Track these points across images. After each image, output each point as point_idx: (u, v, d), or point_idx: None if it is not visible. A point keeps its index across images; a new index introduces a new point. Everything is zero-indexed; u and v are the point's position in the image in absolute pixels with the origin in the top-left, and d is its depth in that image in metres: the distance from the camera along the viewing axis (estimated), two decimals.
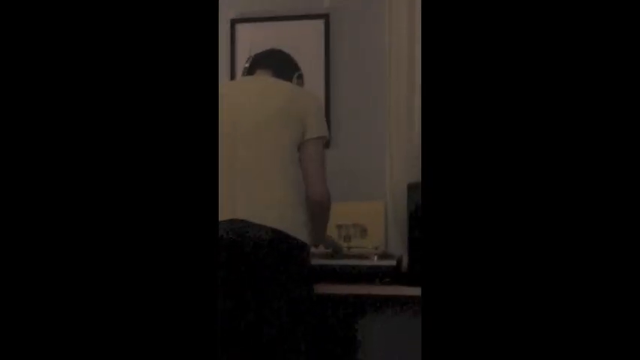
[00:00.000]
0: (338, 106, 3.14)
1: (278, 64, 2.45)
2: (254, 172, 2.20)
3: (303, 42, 3.15)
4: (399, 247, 2.85)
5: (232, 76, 3.18)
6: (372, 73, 3.09)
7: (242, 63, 3.15)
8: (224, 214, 2.14)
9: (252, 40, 3.17)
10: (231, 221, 2.16)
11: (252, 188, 2.19)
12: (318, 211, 2.31)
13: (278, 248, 2.16)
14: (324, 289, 2.45)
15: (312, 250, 2.49)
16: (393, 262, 2.53)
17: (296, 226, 2.21)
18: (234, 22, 3.23)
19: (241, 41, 3.23)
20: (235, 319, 2.18)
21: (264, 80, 2.39)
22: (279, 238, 2.16)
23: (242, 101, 2.28)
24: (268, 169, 2.21)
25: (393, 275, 2.48)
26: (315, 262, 2.44)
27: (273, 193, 2.20)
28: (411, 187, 2.53)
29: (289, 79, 2.43)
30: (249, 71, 2.46)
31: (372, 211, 2.92)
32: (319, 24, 3.15)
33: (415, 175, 2.68)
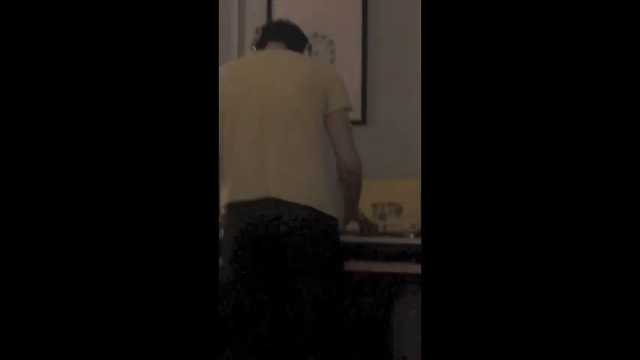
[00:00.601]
0: (373, 83, 3.13)
1: (289, 35, 2.41)
2: (284, 150, 2.19)
3: (339, 19, 3.13)
4: None
5: None
6: (408, 50, 3.07)
7: None
8: (256, 193, 2.15)
9: (289, 16, 3.16)
10: (265, 200, 2.16)
11: (283, 166, 2.18)
12: (350, 179, 2.30)
13: (311, 227, 2.15)
14: (359, 266, 2.45)
15: (347, 227, 2.49)
16: None
17: (328, 203, 2.20)
18: (270, 0, 3.23)
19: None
20: (267, 300, 2.19)
21: (282, 54, 2.34)
22: (311, 216, 2.16)
23: (264, 77, 2.26)
24: (298, 146, 2.19)
25: None
26: (350, 239, 2.45)
27: (304, 170, 2.19)
28: None
29: (301, 50, 2.41)
30: (260, 44, 2.42)
31: (407, 189, 2.90)
32: (356, 1, 3.14)
33: None
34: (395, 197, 2.91)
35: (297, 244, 2.16)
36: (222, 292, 2.21)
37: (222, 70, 2.29)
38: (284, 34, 2.40)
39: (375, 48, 3.13)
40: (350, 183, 2.32)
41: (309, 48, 2.48)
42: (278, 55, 2.35)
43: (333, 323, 2.20)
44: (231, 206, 2.21)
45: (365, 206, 2.55)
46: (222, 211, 2.24)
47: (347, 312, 2.30)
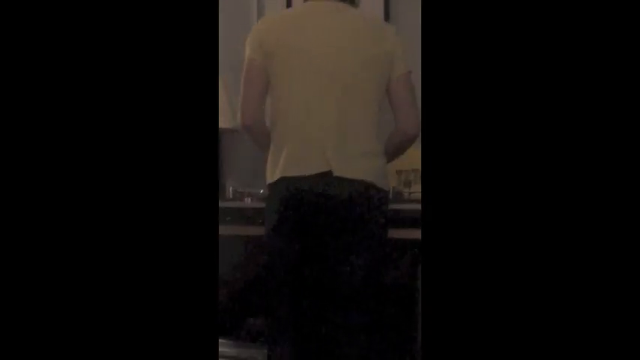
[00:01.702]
0: None
1: None
2: (343, 123, 2.12)
3: None
4: None
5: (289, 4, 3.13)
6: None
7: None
8: (313, 167, 2.10)
9: None
10: (322, 175, 2.09)
11: (341, 140, 2.11)
12: (404, 144, 2.26)
13: (367, 200, 2.11)
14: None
15: None
16: None
17: (382, 177, 2.16)
18: None
19: None
20: (318, 268, 2.16)
21: (344, 16, 2.19)
22: (369, 191, 2.11)
23: (323, 45, 2.14)
24: (358, 121, 2.13)
25: None
26: None
27: (363, 145, 2.14)
28: None
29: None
30: None
31: None
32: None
33: None
34: (420, 164, 2.87)
35: (350, 217, 2.11)
36: (266, 265, 2.19)
37: (268, 23, 2.22)
38: None
39: (399, 12, 3.08)
40: (402, 147, 2.28)
41: None
42: (341, 13, 2.19)
43: (376, 290, 2.17)
44: (285, 179, 2.13)
45: (390, 173, 2.52)
46: (271, 179, 2.18)
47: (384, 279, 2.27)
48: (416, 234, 2.46)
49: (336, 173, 2.09)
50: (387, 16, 3.10)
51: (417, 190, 2.86)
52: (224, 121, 3.20)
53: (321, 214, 2.11)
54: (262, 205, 2.82)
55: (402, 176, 2.93)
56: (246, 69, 2.23)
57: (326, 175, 2.09)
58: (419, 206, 2.51)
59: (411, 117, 2.19)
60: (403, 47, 2.21)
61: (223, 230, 2.77)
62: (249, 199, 2.93)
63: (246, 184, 3.08)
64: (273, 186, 2.16)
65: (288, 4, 3.21)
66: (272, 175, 2.17)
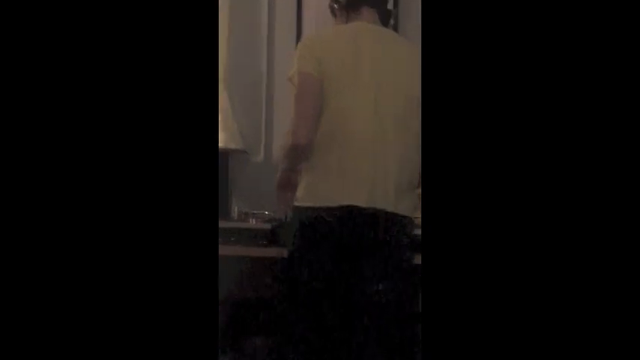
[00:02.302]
0: None
1: (383, 1, 2.22)
2: (388, 157, 2.06)
3: None
4: None
5: (298, 38, 3.16)
6: None
7: (309, 30, 3.17)
8: (350, 198, 2.03)
9: (318, 7, 3.14)
10: (372, 210, 2.03)
11: (384, 174, 2.05)
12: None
13: (396, 233, 2.07)
14: None
15: None
16: None
17: (413, 210, 2.12)
18: None
19: (308, 9, 3.20)
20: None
21: (395, 44, 2.16)
22: (407, 226, 2.08)
23: (381, 70, 2.09)
24: (401, 156, 2.08)
25: None
26: None
27: (402, 179, 2.08)
28: None
29: (389, 17, 2.24)
30: (351, 6, 2.19)
31: None
32: None
33: None
34: None
35: (377, 248, 2.06)
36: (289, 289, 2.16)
37: (324, 40, 2.15)
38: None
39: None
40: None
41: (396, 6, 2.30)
42: (388, 45, 2.15)
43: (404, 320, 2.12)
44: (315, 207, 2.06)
45: None
46: (302, 202, 2.10)
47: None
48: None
49: (376, 206, 2.04)
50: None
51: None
52: (232, 142, 3.22)
53: (348, 241, 2.05)
54: (267, 226, 2.83)
55: None
56: (300, 84, 2.07)
57: (360, 207, 2.03)
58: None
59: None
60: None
61: (227, 250, 2.79)
62: (254, 220, 2.94)
63: (252, 205, 3.09)
64: (304, 209, 2.08)
65: (298, 24, 3.22)
66: (307, 197, 2.09)
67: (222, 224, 2.90)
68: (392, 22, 2.30)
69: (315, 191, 2.07)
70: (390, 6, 2.28)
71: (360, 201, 2.03)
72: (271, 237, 2.77)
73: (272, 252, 2.63)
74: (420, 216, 2.56)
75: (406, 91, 2.09)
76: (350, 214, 2.03)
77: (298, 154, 2.11)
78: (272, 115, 3.24)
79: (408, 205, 2.10)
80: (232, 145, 3.20)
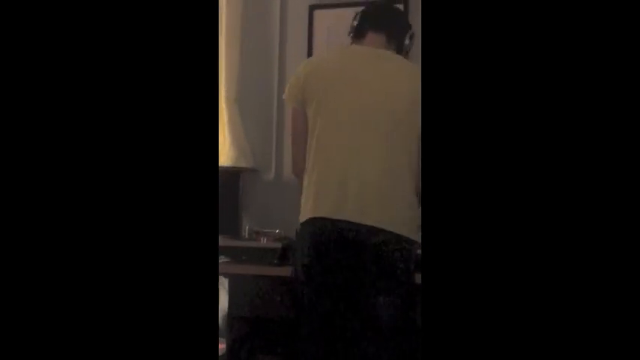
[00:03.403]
0: None
1: (391, 23, 2.26)
2: (379, 174, 2.09)
3: None
4: None
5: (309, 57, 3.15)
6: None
7: (319, 48, 3.18)
8: (344, 213, 2.07)
9: (329, 26, 3.15)
10: (358, 225, 2.06)
11: (375, 190, 2.08)
12: None
13: (394, 251, 2.08)
14: None
15: None
16: None
17: (414, 229, 2.11)
18: (312, 9, 3.22)
19: (319, 27, 3.21)
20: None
21: (389, 64, 2.19)
22: (396, 242, 2.08)
23: (366, 91, 2.13)
24: (394, 172, 2.10)
25: None
26: None
27: (402, 199, 2.10)
28: None
29: (402, 40, 2.26)
30: (358, 31, 2.26)
31: None
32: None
33: None
34: None
35: (376, 266, 2.08)
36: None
37: (310, 68, 2.22)
38: (385, 22, 2.26)
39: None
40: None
41: (412, 37, 2.29)
42: (379, 65, 2.18)
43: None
44: (315, 220, 2.12)
45: None
46: (302, 218, 2.17)
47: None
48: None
49: (366, 222, 2.06)
50: None
51: None
52: (243, 160, 3.22)
53: (347, 258, 2.08)
54: (278, 245, 2.83)
55: None
56: (292, 118, 2.27)
57: (355, 223, 2.07)
58: None
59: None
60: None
61: (238, 269, 2.79)
62: (265, 239, 2.93)
63: (263, 223, 3.09)
64: (304, 225, 2.16)
65: (309, 43, 3.22)
66: (304, 214, 2.17)
67: (232, 243, 2.92)
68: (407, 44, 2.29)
69: (302, 208, 2.17)
70: (401, 26, 2.30)
71: (329, 213, 2.09)
72: (282, 256, 2.76)
73: (283, 271, 2.63)
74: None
75: (391, 107, 2.11)
76: (316, 225, 2.10)
77: (299, 179, 2.26)
78: (283, 134, 3.24)
79: (398, 220, 2.09)
80: (243, 164, 3.20)
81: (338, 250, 2.09)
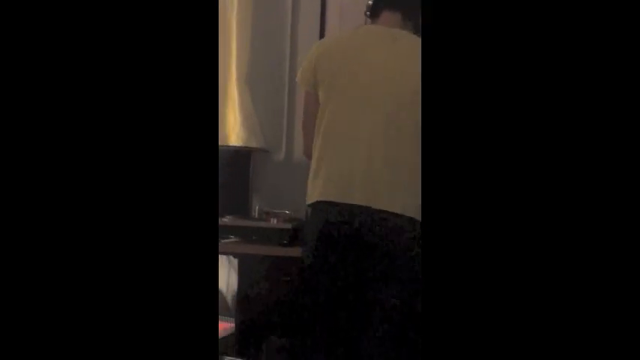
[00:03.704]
0: None
1: (407, 2, 2.23)
2: (387, 156, 2.08)
3: None
4: None
5: (321, 38, 3.15)
6: None
7: (332, 29, 3.17)
8: (352, 197, 2.07)
9: (342, 6, 3.13)
10: (367, 209, 2.06)
11: (382, 172, 2.08)
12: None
13: (403, 233, 2.07)
14: None
15: None
16: None
17: (419, 210, 2.08)
18: None
19: (331, 8, 3.20)
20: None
21: (402, 44, 2.15)
22: (405, 224, 2.07)
23: (377, 71, 2.12)
24: (402, 155, 2.08)
25: None
26: None
27: (404, 178, 2.08)
28: None
29: (417, 19, 2.22)
30: (374, 11, 2.26)
31: None
32: None
33: None
34: None
35: (385, 248, 2.07)
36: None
37: (323, 49, 2.22)
38: (401, 2, 2.24)
39: None
40: None
41: None
42: (393, 46, 2.16)
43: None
44: (323, 203, 2.13)
45: None
46: (310, 200, 2.18)
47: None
48: None
49: (374, 206, 2.06)
50: None
51: None
52: (253, 140, 3.22)
53: (356, 241, 2.08)
54: (288, 225, 2.84)
55: None
56: (304, 100, 2.27)
57: (374, 211, 2.06)
58: None
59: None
60: None
61: (248, 249, 2.80)
62: (275, 220, 2.94)
63: (273, 204, 3.10)
64: (312, 207, 2.16)
65: (322, 23, 3.21)
66: (311, 196, 2.17)
67: (243, 223, 2.93)
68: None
69: (314, 189, 2.17)
70: (416, 3, 2.22)
71: (334, 196, 2.09)
72: (292, 236, 2.77)
73: (293, 251, 2.63)
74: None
75: (402, 89, 2.10)
76: (325, 209, 2.10)
77: (310, 161, 2.27)
78: (294, 114, 3.23)
79: (402, 203, 2.08)
80: (254, 144, 3.20)
81: (346, 234, 2.09)
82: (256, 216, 3.09)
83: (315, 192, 2.15)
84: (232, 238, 2.84)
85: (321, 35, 3.17)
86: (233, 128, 3.19)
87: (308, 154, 2.27)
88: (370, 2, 2.29)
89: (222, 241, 2.80)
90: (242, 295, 2.90)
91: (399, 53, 2.16)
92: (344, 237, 2.09)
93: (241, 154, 3.11)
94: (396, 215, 2.06)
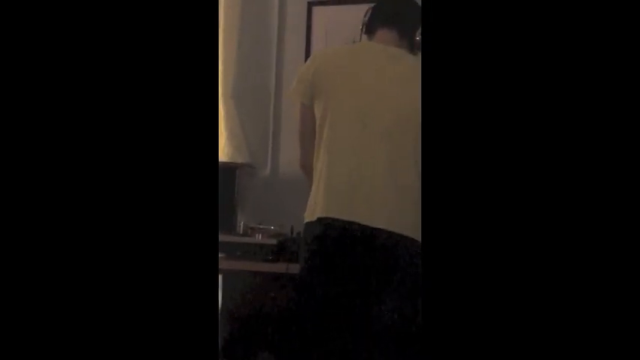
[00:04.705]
0: None
1: (403, 19, 2.20)
2: (386, 175, 2.06)
3: None
4: None
5: (307, 53, 3.16)
6: None
7: (318, 45, 3.18)
8: (351, 214, 2.04)
9: (328, 23, 3.15)
10: (366, 227, 2.03)
11: (381, 190, 2.05)
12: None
13: (402, 253, 2.04)
14: None
15: None
16: None
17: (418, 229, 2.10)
18: (311, 5, 3.22)
19: (317, 24, 3.21)
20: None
21: (400, 64, 2.14)
22: (404, 244, 2.04)
23: (375, 90, 2.10)
24: (402, 173, 2.06)
25: None
26: None
27: (412, 201, 2.04)
28: None
29: (413, 37, 2.21)
30: (370, 28, 2.23)
31: None
32: None
33: None
34: None
35: (383, 266, 2.05)
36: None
37: (320, 62, 2.19)
38: (398, 17, 2.21)
39: None
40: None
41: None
42: (390, 66, 2.15)
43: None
44: (323, 220, 2.08)
45: None
46: (309, 218, 2.13)
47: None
48: None
49: (373, 225, 2.03)
50: None
51: None
52: (238, 156, 3.22)
53: (355, 259, 2.06)
54: (273, 241, 2.83)
55: None
56: (300, 113, 2.22)
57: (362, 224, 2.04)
58: None
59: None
60: None
61: (233, 265, 2.79)
62: (260, 235, 2.93)
63: (258, 219, 3.09)
64: (310, 225, 2.11)
65: (308, 38, 3.22)
66: (312, 211, 2.12)
67: (227, 239, 2.92)
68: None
69: (309, 207, 2.13)
70: (413, 20, 2.22)
71: (339, 214, 2.06)
72: (277, 252, 2.76)
73: (278, 267, 2.63)
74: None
75: (399, 106, 2.09)
76: (326, 226, 2.06)
77: (305, 175, 2.24)
78: (279, 129, 3.24)
79: (406, 222, 2.05)
80: (239, 159, 3.20)
81: (348, 251, 2.05)
82: (241, 231, 3.08)
83: (317, 208, 2.11)
84: None
85: (307, 51, 3.18)
86: (219, 143, 3.19)
87: (304, 167, 2.23)
88: (366, 19, 2.27)
89: None
90: (227, 311, 2.89)
91: (398, 73, 2.14)
92: (344, 254, 2.06)
93: (227, 170, 3.10)
94: (396, 233, 2.04)
